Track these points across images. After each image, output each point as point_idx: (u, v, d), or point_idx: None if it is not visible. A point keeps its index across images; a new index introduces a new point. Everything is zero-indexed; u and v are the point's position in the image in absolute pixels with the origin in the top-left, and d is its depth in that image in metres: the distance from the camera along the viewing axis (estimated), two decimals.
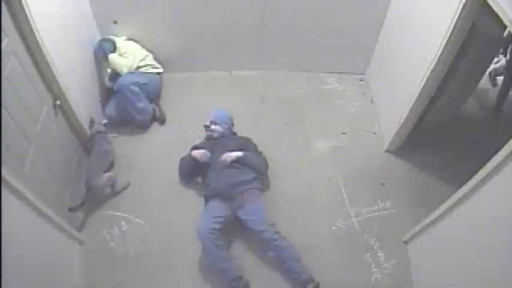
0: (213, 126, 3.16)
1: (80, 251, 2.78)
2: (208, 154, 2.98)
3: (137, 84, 3.34)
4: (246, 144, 3.11)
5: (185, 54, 3.75)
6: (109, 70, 3.49)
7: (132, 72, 3.38)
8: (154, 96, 3.61)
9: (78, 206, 2.85)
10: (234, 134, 3.28)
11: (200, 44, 3.67)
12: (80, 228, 2.87)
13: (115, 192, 3.06)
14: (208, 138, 3.20)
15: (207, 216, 2.71)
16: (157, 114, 3.53)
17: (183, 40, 3.65)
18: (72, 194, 2.94)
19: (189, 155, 3.03)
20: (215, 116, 3.20)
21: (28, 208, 2.10)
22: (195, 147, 3.10)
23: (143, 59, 3.48)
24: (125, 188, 3.11)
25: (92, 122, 3.19)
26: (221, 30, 3.57)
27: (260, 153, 3.11)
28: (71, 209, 2.83)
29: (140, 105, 3.37)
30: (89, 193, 2.90)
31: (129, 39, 3.51)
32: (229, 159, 2.92)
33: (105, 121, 3.30)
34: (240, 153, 2.96)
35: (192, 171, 3.07)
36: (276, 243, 2.63)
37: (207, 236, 2.60)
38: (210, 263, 2.65)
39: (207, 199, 2.88)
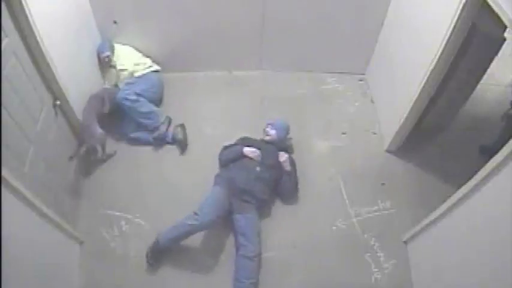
0: (268, 129, 3.18)
1: (80, 251, 2.78)
2: (260, 157, 2.97)
3: (134, 93, 3.28)
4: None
5: (185, 54, 3.75)
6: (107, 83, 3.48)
7: (130, 83, 3.37)
8: (161, 96, 3.62)
9: (75, 153, 2.94)
10: (286, 148, 3.23)
11: (200, 44, 3.67)
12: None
13: (102, 157, 3.14)
14: (262, 139, 3.20)
15: (214, 205, 2.73)
16: (179, 136, 3.34)
17: (183, 40, 3.64)
18: (72, 194, 2.94)
19: (240, 149, 3.01)
20: (276, 121, 3.24)
21: (28, 208, 2.10)
22: (246, 139, 3.16)
23: (139, 59, 3.50)
24: (112, 155, 3.21)
25: None
26: (221, 30, 3.57)
27: (296, 177, 3.09)
28: (71, 158, 2.92)
29: (143, 109, 3.30)
30: (84, 136, 2.98)
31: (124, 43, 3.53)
32: (285, 165, 3.01)
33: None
34: (289, 168, 3.03)
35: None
36: (251, 257, 2.64)
37: (206, 225, 2.68)
38: (171, 231, 2.70)
39: (217, 180, 2.93)
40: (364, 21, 3.48)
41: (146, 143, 3.35)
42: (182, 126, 3.40)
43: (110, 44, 3.41)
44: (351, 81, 3.92)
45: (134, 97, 3.28)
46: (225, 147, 3.14)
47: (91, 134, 2.99)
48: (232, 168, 2.98)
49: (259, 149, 3.01)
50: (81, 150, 2.96)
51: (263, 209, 2.96)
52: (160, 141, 3.34)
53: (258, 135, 3.30)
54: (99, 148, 3.05)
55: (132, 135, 3.35)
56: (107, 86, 3.49)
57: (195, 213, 2.67)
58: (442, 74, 2.73)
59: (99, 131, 3.03)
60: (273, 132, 3.16)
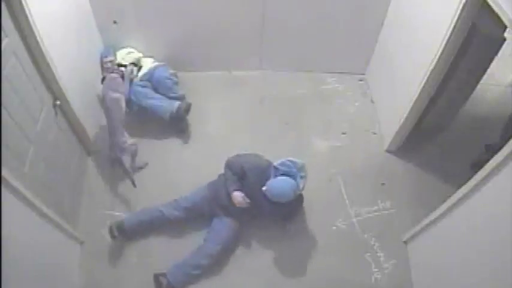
0: (265, 187, 2.61)
1: (80, 251, 2.79)
2: (248, 202, 2.68)
3: (174, 74, 3.50)
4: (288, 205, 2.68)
5: (184, 54, 3.75)
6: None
7: (160, 66, 3.49)
8: None
9: (122, 167, 2.97)
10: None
11: (200, 43, 3.67)
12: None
13: (135, 167, 3.12)
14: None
15: (190, 203, 2.82)
16: (182, 110, 3.33)
17: (183, 40, 3.64)
18: (72, 194, 2.94)
19: (232, 188, 2.69)
20: (272, 185, 2.59)
21: (28, 208, 2.10)
22: (254, 167, 2.73)
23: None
24: (143, 167, 3.19)
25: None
26: (221, 30, 3.57)
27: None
28: (125, 173, 2.99)
29: (181, 92, 3.51)
30: (115, 152, 2.97)
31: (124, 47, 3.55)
32: (237, 201, 2.67)
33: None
34: None
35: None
36: (204, 254, 2.69)
37: (173, 212, 2.81)
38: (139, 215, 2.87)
39: (211, 182, 2.91)
40: (364, 21, 3.48)
41: (157, 114, 3.31)
42: (188, 104, 3.38)
43: (114, 49, 3.44)
44: (351, 81, 3.92)
45: (175, 79, 3.51)
46: (238, 157, 2.79)
47: (120, 148, 2.95)
48: (223, 184, 2.80)
49: (254, 198, 2.67)
50: (122, 166, 2.98)
51: (244, 220, 2.84)
52: (176, 120, 3.33)
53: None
54: (126, 160, 2.98)
55: (145, 103, 3.31)
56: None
57: (175, 200, 2.84)
58: (442, 74, 2.73)
59: (128, 141, 2.98)
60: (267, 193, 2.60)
